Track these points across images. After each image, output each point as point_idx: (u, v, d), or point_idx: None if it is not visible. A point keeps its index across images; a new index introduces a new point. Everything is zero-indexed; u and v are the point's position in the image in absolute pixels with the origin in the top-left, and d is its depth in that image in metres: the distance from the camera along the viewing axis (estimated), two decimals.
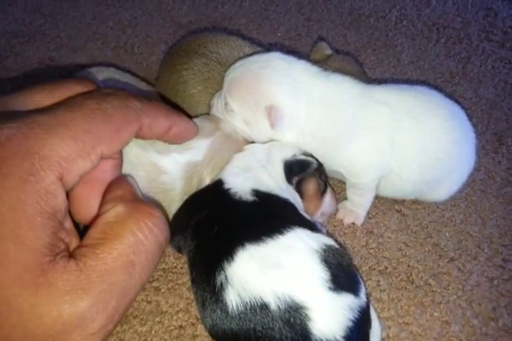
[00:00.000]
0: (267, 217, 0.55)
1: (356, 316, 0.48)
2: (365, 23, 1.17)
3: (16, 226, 0.33)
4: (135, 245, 0.37)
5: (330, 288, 0.48)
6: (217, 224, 0.55)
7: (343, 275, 0.50)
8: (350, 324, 0.47)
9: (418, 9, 1.22)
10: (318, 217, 0.68)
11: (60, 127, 0.36)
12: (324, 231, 0.67)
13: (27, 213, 0.33)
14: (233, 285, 0.48)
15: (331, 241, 0.54)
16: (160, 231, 0.39)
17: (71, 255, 0.36)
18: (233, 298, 0.48)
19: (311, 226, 0.57)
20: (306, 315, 0.46)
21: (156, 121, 0.45)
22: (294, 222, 0.55)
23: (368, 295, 0.52)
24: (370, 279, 0.63)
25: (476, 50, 1.08)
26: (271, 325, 0.46)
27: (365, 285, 0.53)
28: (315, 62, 0.69)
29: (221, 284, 0.49)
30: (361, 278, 0.53)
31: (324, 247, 0.51)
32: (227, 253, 0.50)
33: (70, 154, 0.36)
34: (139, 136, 0.43)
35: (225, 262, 0.50)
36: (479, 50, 1.08)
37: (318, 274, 0.49)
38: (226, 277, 0.49)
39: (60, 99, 0.40)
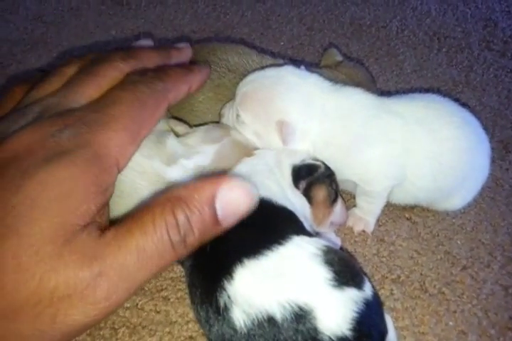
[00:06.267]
0: (263, 229, 0.53)
1: (361, 308, 0.47)
2: (367, 32, 1.18)
3: (71, 190, 0.38)
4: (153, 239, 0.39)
5: (333, 286, 0.47)
6: (210, 241, 0.52)
7: (344, 270, 0.49)
8: (355, 315, 0.46)
9: (418, 19, 1.23)
10: (327, 227, 0.66)
11: (112, 122, 0.43)
12: (339, 242, 0.66)
13: (85, 182, 0.39)
14: (238, 303, 0.47)
15: (329, 244, 0.53)
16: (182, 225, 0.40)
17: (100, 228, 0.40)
18: (240, 316, 0.47)
19: (309, 233, 0.56)
20: (312, 316, 0.45)
21: (179, 91, 0.54)
22: (292, 230, 0.54)
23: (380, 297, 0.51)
24: (384, 288, 0.62)
25: (477, 59, 1.08)
26: (280, 336, 0.45)
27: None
28: (325, 68, 0.69)
29: (225, 304, 0.48)
30: (372, 284, 0.52)
31: (324, 248, 0.51)
32: (225, 272, 0.49)
33: (124, 142, 0.44)
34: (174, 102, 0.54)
35: (225, 282, 0.48)
36: (481, 59, 1.09)
37: (321, 275, 0.48)
38: (229, 297, 0.48)
39: (103, 90, 0.48)
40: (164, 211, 0.39)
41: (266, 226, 0.54)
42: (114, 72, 0.50)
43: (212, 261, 0.51)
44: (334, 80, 0.69)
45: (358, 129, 0.65)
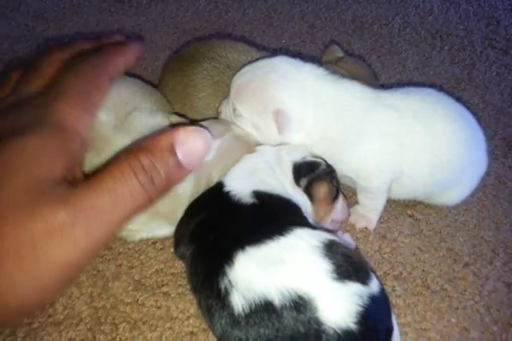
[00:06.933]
0: (266, 219, 0.54)
1: (367, 302, 0.46)
2: (369, 30, 1.17)
3: (41, 154, 0.42)
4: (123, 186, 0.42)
5: (334, 278, 0.47)
6: (214, 228, 0.54)
7: (347, 264, 0.49)
8: (360, 309, 0.46)
9: (421, 17, 1.23)
10: (328, 224, 0.66)
11: (61, 98, 0.47)
12: (348, 239, 0.66)
13: (52, 148, 0.43)
14: (237, 288, 0.47)
15: (333, 237, 0.53)
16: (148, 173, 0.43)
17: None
18: (238, 300, 0.47)
19: (313, 226, 0.56)
20: (312, 305, 0.45)
21: (116, 63, 0.57)
22: (295, 222, 0.54)
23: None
24: (386, 284, 0.62)
25: (480, 57, 1.08)
26: (280, 325, 0.45)
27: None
28: (327, 64, 0.69)
29: (226, 289, 0.48)
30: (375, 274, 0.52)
31: (326, 242, 0.51)
32: (227, 257, 0.49)
33: (78, 113, 0.47)
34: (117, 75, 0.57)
35: (226, 267, 0.49)
36: (483, 56, 1.08)
37: (321, 266, 0.48)
38: (230, 281, 0.48)
39: (48, 78, 0.52)
40: (129, 158, 0.43)
41: (270, 217, 0.54)
42: (53, 61, 0.55)
43: (214, 248, 0.52)
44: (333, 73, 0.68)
45: (352, 123, 0.64)
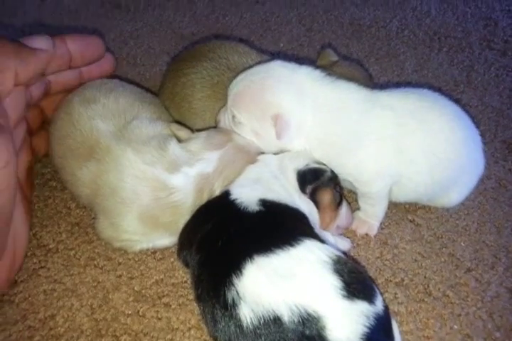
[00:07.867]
0: (274, 227, 0.54)
1: (372, 323, 0.46)
2: (367, 33, 1.17)
3: None
4: None
5: (343, 296, 0.47)
6: (221, 236, 0.53)
7: (355, 283, 0.48)
8: (366, 331, 0.46)
9: (418, 19, 1.22)
10: (333, 230, 0.66)
11: None
12: (346, 246, 0.66)
13: None
14: (246, 300, 0.47)
15: (339, 252, 0.53)
16: None
17: None
18: (247, 313, 0.47)
19: (320, 238, 0.56)
20: (320, 323, 0.45)
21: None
22: (303, 232, 0.54)
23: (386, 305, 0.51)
24: (387, 292, 0.61)
25: (478, 59, 1.08)
26: (286, 338, 0.45)
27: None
28: (321, 67, 0.69)
29: (233, 300, 0.48)
30: (378, 288, 0.51)
31: (334, 257, 0.50)
32: (235, 267, 0.49)
33: None
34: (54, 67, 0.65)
35: (234, 277, 0.49)
36: (482, 58, 1.08)
37: (331, 283, 0.48)
38: (238, 292, 0.48)
39: None
40: None
41: (278, 226, 0.54)
42: None
43: (222, 256, 0.51)
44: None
45: (350, 126, 0.64)
